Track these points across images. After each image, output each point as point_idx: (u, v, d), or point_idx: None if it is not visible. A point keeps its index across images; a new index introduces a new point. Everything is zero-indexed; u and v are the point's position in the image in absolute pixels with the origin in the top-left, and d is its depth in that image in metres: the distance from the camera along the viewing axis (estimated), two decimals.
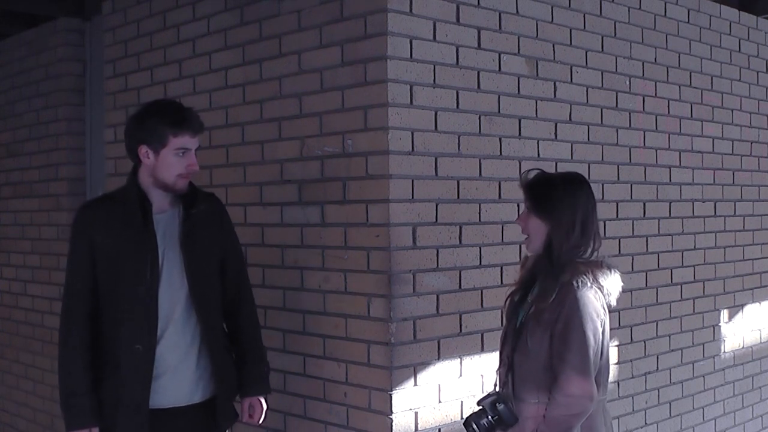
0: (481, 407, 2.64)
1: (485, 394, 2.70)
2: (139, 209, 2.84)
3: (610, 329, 2.71)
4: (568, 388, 2.50)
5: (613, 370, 3.90)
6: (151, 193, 2.88)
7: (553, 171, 2.98)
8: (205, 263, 2.94)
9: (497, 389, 2.72)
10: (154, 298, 2.81)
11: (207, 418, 2.97)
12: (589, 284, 2.56)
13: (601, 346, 2.59)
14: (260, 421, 3.14)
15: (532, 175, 2.73)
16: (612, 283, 2.62)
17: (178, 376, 2.88)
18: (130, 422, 2.80)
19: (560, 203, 2.62)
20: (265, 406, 3.14)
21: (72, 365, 2.82)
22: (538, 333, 2.58)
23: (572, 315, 2.52)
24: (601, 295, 2.60)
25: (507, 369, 2.67)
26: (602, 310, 2.60)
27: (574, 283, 2.55)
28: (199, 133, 2.89)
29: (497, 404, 2.61)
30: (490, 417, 2.61)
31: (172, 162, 2.83)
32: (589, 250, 2.67)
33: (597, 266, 2.61)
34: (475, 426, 2.63)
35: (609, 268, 2.63)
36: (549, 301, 2.56)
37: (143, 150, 2.84)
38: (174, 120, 2.83)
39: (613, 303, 2.65)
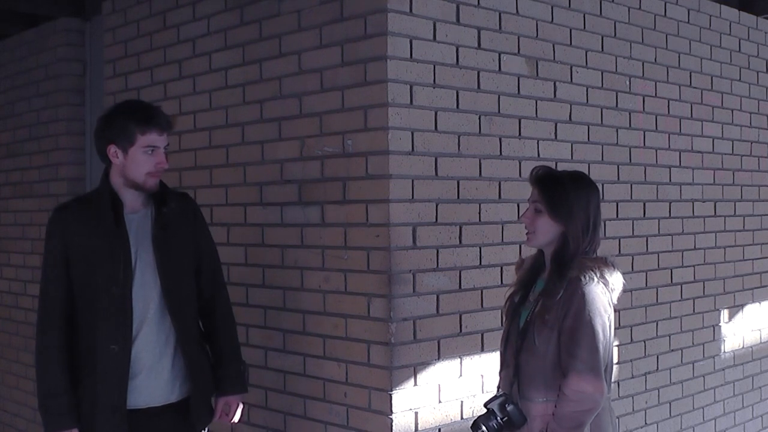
0: (488, 409, 2.63)
1: (491, 396, 2.69)
2: (111, 210, 2.84)
3: None
4: (579, 384, 2.49)
5: (613, 370, 3.89)
6: (123, 194, 2.89)
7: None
8: (178, 262, 2.94)
9: (501, 391, 2.71)
10: (128, 298, 2.81)
11: (184, 418, 2.97)
12: (596, 279, 2.55)
13: (608, 342, 2.58)
14: (235, 421, 3.14)
15: (541, 172, 2.71)
16: (616, 279, 2.62)
17: (153, 376, 2.88)
18: (108, 423, 2.80)
19: (576, 205, 2.63)
20: (241, 406, 3.14)
21: (49, 367, 2.81)
22: (545, 331, 2.57)
23: (581, 310, 2.51)
24: (607, 290, 2.60)
25: (512, 370, 2.67)
26: (609, 306, 2.59)
27: (582, 278, 2.54)
28: (166, 130, 2.89)
29: (506, 405, 2.60)
30: (498, 418, 2.60)
31: (141, 160, 2.84)
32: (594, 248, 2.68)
33: (603, 262, 2.61)
34: (484, 428, 2.61)
35: (613, 265, 2.63)
36: (556, 298, 2.56)
37: (112, 150, 2.85)
38: (141, 118, 2.83)
39: (615, 301, 2.65)
